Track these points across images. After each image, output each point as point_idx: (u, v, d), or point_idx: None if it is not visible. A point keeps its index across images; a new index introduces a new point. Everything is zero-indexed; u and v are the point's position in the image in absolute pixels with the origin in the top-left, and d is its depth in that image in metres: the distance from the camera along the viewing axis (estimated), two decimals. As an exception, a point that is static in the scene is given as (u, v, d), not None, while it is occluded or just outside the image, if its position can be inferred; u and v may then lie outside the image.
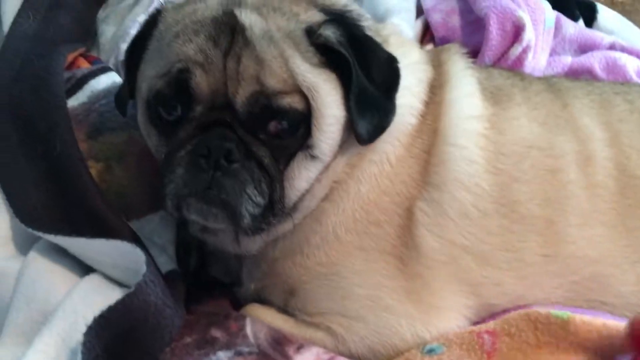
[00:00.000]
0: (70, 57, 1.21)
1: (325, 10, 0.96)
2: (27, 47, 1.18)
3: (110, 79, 1.14)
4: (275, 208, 0.90)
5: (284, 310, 1.00)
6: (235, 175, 0.86)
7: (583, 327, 0.82)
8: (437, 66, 1.06)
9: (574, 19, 1.68)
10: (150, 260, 0.89)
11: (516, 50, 1.43)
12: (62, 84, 1.08)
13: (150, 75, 0.92)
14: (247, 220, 0.87)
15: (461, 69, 1.08)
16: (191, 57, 0.87)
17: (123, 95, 1.04)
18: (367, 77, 0.91)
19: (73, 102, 1.10)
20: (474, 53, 1.44)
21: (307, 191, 0.94)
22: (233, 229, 0.95)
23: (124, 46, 1.25)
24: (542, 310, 0.87)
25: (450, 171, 0.97)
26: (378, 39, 0.98)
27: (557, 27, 1.61)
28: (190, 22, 0.91)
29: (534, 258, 0.98)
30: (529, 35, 1.43)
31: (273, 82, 0.87)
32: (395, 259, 0.95)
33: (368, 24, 1.01)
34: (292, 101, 0.88)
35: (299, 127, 0.89)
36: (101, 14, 1.40)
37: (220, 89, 0.87)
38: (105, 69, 1.18)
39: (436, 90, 1.03)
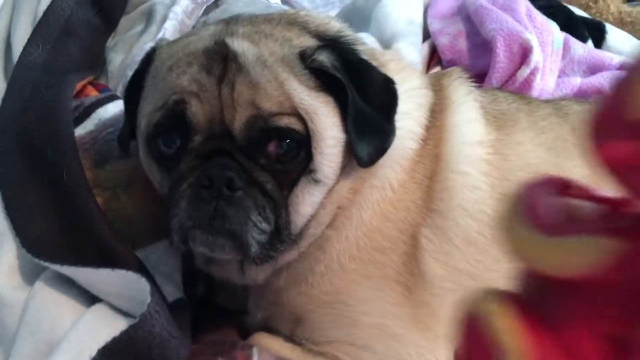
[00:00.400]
0: (79, 86, 1.22)
1: (318, 36, 0.97)
2: (36, 77, 1.19)
3: (117, 107, 1.14)
4: (282, 234, 0.89)
5: (292, 339, 0.99)
6: (238, 203, 0.85)
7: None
8: (438, 91, 1.06)
9: (583, 39, 1.68)
10: (156, 289, 0.88)
11: (524, 72, 1.43)
12: (70, 113, 1.09)
13: (147, 111, 0.93)
14: (254, 249, 0.86)
15: (463, 94, 1.07)
16: (186, 88, 0.87)
17: (123, 135, 1.04)
18: (364, 99, 0.90)
19: (80, 130, 1.11)
20: (482, 76, 1.44)
21: (313, 217, 0.93)
22: (240, 260, 0.95)
23: (131, 74, 1.27)
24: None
25: (454, 198, 0.96)
26: (375, 63, 0.98)
27: (566, 48, 1.60)
28: (184, 54, 0.91)
29: None
30: (536, 57, 1.43)
31: (269, 104, 0.86)
32: (401, 286, 0.94)
33: (364, 49, 1.01)
34: (289, 122, 0.87)
35: (299, 150, 0.88)
36: (110, 42, 1.42)
37: (216, 116, 0.87)
38: (112, 97, 1.18)
39: (437, 114, 1.02)
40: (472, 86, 1.10)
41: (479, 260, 0.95)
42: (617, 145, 0.31)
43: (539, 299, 0.35)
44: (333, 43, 0.95)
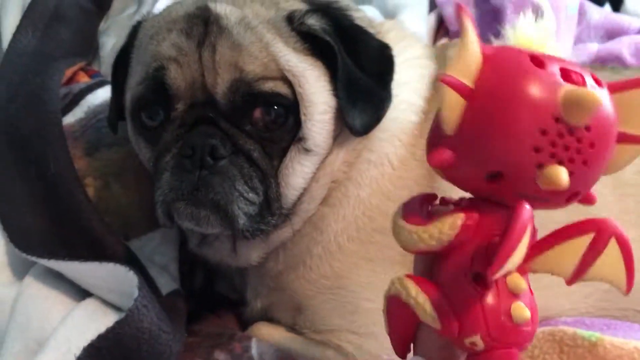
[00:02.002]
0: (69, 72, 1.17)
1: (309, 2, 0.90)
2: (25, 64, 1.15)
3: (108, 93, 1.09)
4: (272, 207, 0.84)
5: (293, 329, 0.95)
6: (222, 172, 0.80)
7: (613, 352, 0.74)
8: (443, 62, 0.99)
9: (600, 3, 1.59)
10: (145, 282, 0.84)
11: (536, 39, 1.35)
12: (58, 101, 1.05)
13: (131, 85, 0.89)
14: (242, 221, 0.81)
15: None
16: (164, 54, 0.83)
17: (110, 114, 1.00)
18: (357, 65, 0.84)
19: (70, 118, 1.07)
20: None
21: (305, 191, 0.88)
22: (229, 234, 0.90)
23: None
24: (568, 329, 0.79)
25: None
26: (372, 31, 0.92)
27: (581, 13, 1.52)
28: (164, 22, 0.87)
29: None
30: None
31: (253, 67, 0.81)
32: (404, 269, 0.88)
33: (360, 16, 0.95)
34: (275, 86, 0.82)
35: (286, 116, 0.83)
36: (102, 25, 1.37)
37: (197, 81, 0.82)
38: (102, 83, 1.14)
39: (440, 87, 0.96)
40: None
41: None
42: (440, 151, 0.45)
43: (429, 270, 0.51)
44: (324, 7, 0.89)
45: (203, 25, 0.84)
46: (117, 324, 0.76)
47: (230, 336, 0.92)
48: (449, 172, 0.48)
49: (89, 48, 1.32)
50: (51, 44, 1.23)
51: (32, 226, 0.93)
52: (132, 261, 0.91)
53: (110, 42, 1.31)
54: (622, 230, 0.45)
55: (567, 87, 0.42)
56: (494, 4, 1.40)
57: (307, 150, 0.85)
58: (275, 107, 0.83)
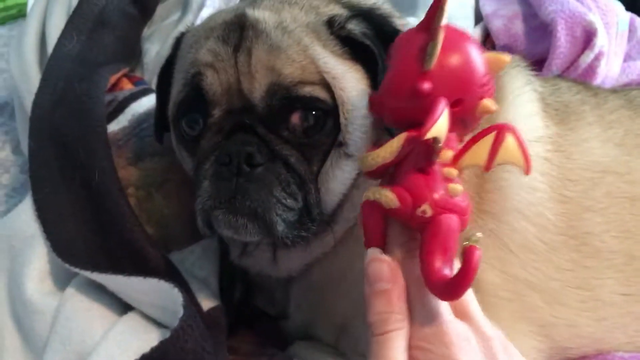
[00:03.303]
0: (113, 79, 1.17)
1: (351, 7, 0.88)
2: (69, 70, 1.14)
3: (152, 101, 1.09)
4: (312, 213, 0.82)
5: (336, 349, 0.92)
6: (259, 179, 0.78)
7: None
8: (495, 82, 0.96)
9: (651, 20, 1.54)
10: (190, 299, 0.83)
11: (587, 57, 1.30)
12: (103, 109, 1.04)
13: (174, 94, 0.88)
14: (281, 228, 0.79)
15: (520, 85, 0.97)
16: (201, 60, 0.82)
17: (156, 125, 1.00)
18: None
19: (114, 126, 1.06)
20: (540, 62, 1.33)
21: (346, 197, 0.85)
22: (270, 243, 0.88)
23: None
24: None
25: (508, 200, 0.87)
26: None
27: (631, 29, 1.47)
28: (204, 30, 0.86)
29: (613, 297, 0.87)
30: (601, 40, 1.31)
31: (291, 69, 0.79)
32: None
33: (402, 22, 0.92)
34: (313, 90, 0.80)
35: (325, 121, 0.81)
36: (146, 32, 1.36)
37: (233, 86, 0.81)
38: (146, 91, 1.13)
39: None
40: (531, 75, 1.00)
41: (537, 268, 0.86)
42: (423, 80, 0.60)
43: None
44: (366, 13, 0.87)
45: (239, 31, 0.83)
46: (162, 343, 0.74)
47: (271, 356, 0.90)
48: (426, 101, 0.60)
49: (133, 54, 1.32)
50: (95, 49, 1.22)
51: (75, 236, 0.92)
52: (173, 275, 0.90)
53: (154, 48, 1.30)
54: (515, 129, 0.63)
55: (488, 53, 0.64)
56: (544, 20, 1.36)
57: (347, 155, 0.83)
58: (314, 112, 0.80)
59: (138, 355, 0.74)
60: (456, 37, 0.63)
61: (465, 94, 0.62)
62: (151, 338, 0.78)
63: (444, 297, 0.60)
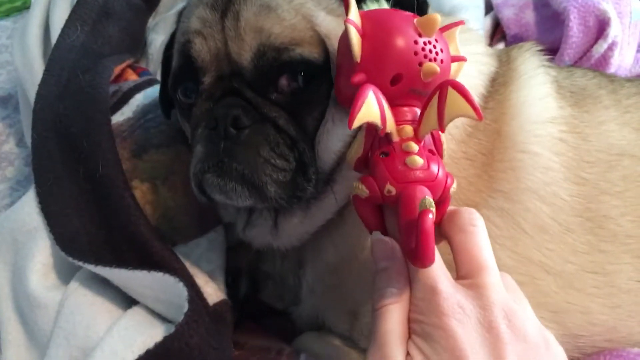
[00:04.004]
0: (117, 70, 1.15)
1: None
2: (73, 60, 1.13)
3: (156, 92, 1.07)
4: (307, 172, 0.79)
5: (349, 338, 0.90)
6: (246, 141, 0.77)
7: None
8: (506, 62, 0.94)
9: (665, 9, 1.51)
10: (195, 293, 0.81)
11: (600, 47, 1.28)
12: (107, 100, 1.02)
13: (172, 65, 0.88)
14: (272, 189, 0.77)
15: (533, 67, 0.95)
16: (191, 28, 0.82)
17: (161, 101, 1.00)
18: None
19: (118, 117, 1.04)
20: (552, 52, 1.30)
21: (344, 155, 0.81)
22: (270, 209, 0.86)
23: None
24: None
25: (522, 180, 0.85)
26: None
27: (645, 19, 1.44)
28: (197, 0, 0.85)
29: (629, 284, 0.85)
30: (614, 30, 1.28)
31: (280, 29, 0.77)
32: None
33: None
34: (304, 51, 0.77)
35: (315, 80, 0.78)
36: (151, 22, 1.34)
37: (221, 51, 0.80)
38: (151, 82, 1.11)
39: (500, 87, 0.90)
40: (544, 59, 0.98)
41: (552, 250, 0.84)
42: (355, 76, 0.66)
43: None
44: None
45: None
46: (166, 339, 0.73)
47: (279, 351, 0.89)
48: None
49: (138, 45, 1.30)
50: (99, 40, 1.21)
51: (79, 229, 0.90)
52: (179, 269, 0.88)
53: (159, 39, 1.28)
54: (455, 80, 0.65)
55: (417, 18, 0.67)
56: (556, 9, 1.33)
57: (342, 111, 0.79)
58: (302, 74, 0.78)
59: (142, 351, 0.72)
60: (376, 20, 0.66)
61: (400, 68, 0.65)
62: (156, 333, 0.77)
63: (418, 265, 0.63)
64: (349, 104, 0.65)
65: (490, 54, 0.96)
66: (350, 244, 0.87)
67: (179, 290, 0.79)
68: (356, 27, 0.65)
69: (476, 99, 0.87)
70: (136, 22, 1.31)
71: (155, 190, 0.98)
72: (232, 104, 0.78)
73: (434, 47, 0.66)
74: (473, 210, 0.70)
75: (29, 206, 0.95)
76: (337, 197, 0.84)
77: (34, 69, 1.22)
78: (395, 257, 0.67)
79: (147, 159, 1.00)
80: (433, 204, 0.60)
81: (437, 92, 0.63)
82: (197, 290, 0.86)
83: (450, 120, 0.63)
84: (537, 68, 0.95)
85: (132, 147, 1.01)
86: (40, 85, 1.09)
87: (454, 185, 0.68)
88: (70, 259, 0.87)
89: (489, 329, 0.61)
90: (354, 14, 0.65)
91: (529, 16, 1.40)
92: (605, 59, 1.29)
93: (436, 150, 0.68)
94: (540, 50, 0.99)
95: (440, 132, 0.69)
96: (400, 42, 0.64)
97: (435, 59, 0.65)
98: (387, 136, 0.64)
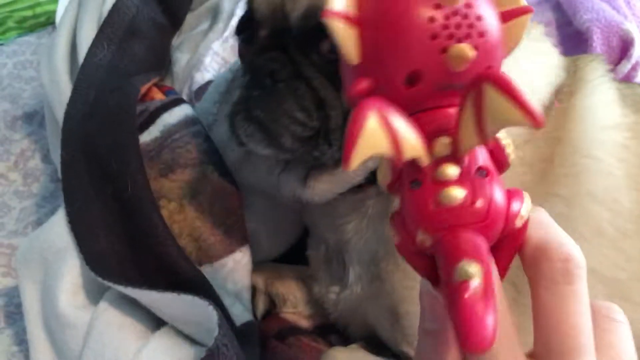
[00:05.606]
0: (143, 89, 1.16)
1: None
2: (101, 79, 1.14)
3: (183, 112, 1.08)
4: (330, 136, 0.80)
5: (390, 339, 0.88)
6: (276, 92, 0.80)
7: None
8: (573, 72, 0.94)
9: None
10: (223, 316, 0.81)
11: (624, 67, 1.28)
12: (135, 119, 1.03)
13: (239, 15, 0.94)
14: (288, 141, 0.79)
15: (599, 74, 0.95)
16: None
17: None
18: None
19: (145, 137, 1.05)
20: (575, 71, 1.31)
21: None
22: (283, 156, 0.86)
23: (197, 75, 1.21)
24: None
25: (584, 184, 0.84)
26: None
27: (668, 37, 1.44)
28: None
29: None
30: (638, 50, 1.28)
31: None
32: (509, 284, 0.79)
33: None
34: None
35: None
36: (175, 41, 1.36)
37: (278, 7, 0.81)
38: (178, 101, 1.12)
39: (564, 96, 0.90)
40: (608, 69, 0.98)
41: (606, 256, 0.83)
42: (356, 84, 0.45)
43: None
44: None
45: None
46: (198, 363, 0.73)
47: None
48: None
49: (162, 63, 1.31)
50: (125, 59, 1.22)
51: (107, 249, 0.91)
52: (206, 290, 0.89)
53: (184, 58, 1.30)
54: (495, 72, 0.42)
55: None
56: (579, 28, 1.33)
57: None
58: None
59: (173, 375, 0.73)
60: (371, 4, 0.46)
61: (415, 62, 0.44)
62: (184, 356, 0.77)
63: (464, 349, 0.41)
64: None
65: (563, 66, 0.95)
66: (387, 225, 0.85)
67: (209, 313, 0.79)
68: (344, 18, 0.47)
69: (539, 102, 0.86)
70: (161, 40, 1.33)
71: (182, 210, 0.99)
72: (274, 58, 0.81)
73: (465, 16, 0.45)
74: (572, 257, 0.45)
75: (58, 226, 0.96)
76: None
77: (61, 87, 1.23)
78: (447, 320, 0.47)
79: (174, 178, 1.01)
80: (478, 270, 0.41)
81: (471, 94, 0.44)
82: (224, 311, 0.87)
83: (497, 131, 0.45)
84: (603, 76, 0.95)
85: (159, 167, 1.02)
86: (68, 105, 1.10)
87: (526, 207, 0.47)
88: (100, 279, 0.88)
89: None
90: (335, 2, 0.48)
91: (552, 34, 1.40)
92: (628, 78, 1.29)
93: (494, 161, 0.46)
94: (604, 59, 1.00)
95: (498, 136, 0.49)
96: (408, 23, 0.45)
97: (468, 36, 0.44)
98: (415, 161, 0.45)
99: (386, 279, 0.87)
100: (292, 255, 1.13)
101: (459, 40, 0.43)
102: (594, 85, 0.92)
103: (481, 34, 0.44)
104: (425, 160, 0.44)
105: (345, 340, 1.03)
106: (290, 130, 0.79)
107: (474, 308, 0.40)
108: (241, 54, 0.92)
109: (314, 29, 0.79)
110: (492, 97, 0.41)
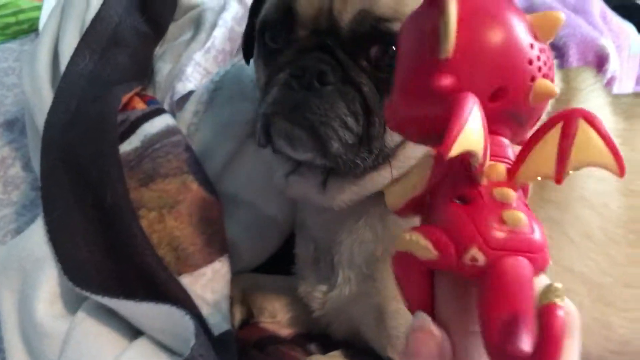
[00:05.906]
0: (125, 98, 1.17)
1: None
2: (82, 88, 1.15)
3: (164, 122, 1.09)
4: (372, 144, 0.80)
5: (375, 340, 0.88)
6: (326, 96, 0.78)
7: None
8: (566, 82, 0.98)
9: (663, 43, 1.54)
10: (201, 325, 0.82)
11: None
12: (116, 129, 1.04)
13: (265, 7, 0.88)
14: (336, 146, 0.78)
15: (592, 82, 0.99)
16: None
17: (244, 43, 0.99)
18: None
19: (126, 146, 1.06)
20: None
21: None
22: (322, 166, 0.86)
23: (179, 85, 1.21)
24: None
25: (575, 188, 0.86)
26: None
27: (644, 53, 1.47)
28: None
29: None
30: (613, 65, 1.31)
31: (384, 2, 0.78)
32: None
33: None
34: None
35: None
36: (158, 50, 1.36)
37: (324, 8, 0.80)
38: (159, 111, 1.13)
39: (561, 105, 0.92)
40: (599, 79, 1.02)
41: (594, 260, 0.85)
42: (439, 77, 0.43)
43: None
44: None
45: None
46: (174, 373, 0.74)
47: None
48: (449, 102, 0.44)
49: (145, 72, 1.32)
50: (107, 68, 1.22)
51: (86, 259, 0.92)
52: (184, 300, 0.89)
53: (166, 67, 1.30)
54: (589, 111, 0.43)
55: (532, 15, 0.46)
56: (555, 43, 1.36)
57: None
58: (394, 48, 0.78)
59: (149, 385, 0.73)
60: (477, 4, 0.45)
61: (508, 79, 0.44)
62: (162, 366, 0.78)
63: None
64: (411, 125, 0.48)
65: (560, 77, 0.98)
66: (392, 236, 0.87)
67: (186, 323, 0.80)
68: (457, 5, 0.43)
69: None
70: (144, 50, 1.33)
71: (161, 219, 0.99)
72: (322, 59, 0.79)
73: (548, 58, 0.46)
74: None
75: (37, 235, 0.96)
76: (393, 171, 0.84)
77: (43, 95, 1.23)
78: None
79: (155, 188, 1.02)
80: (565, 296, 0.40)
81: (560, 124, 0.43)
82: (202, 321, 0.87)
83: (577, 169, 0.45)
84: (594, 84, 0.99)
85: (139, 177, 1.02)
86: (49, 114, 1.11)
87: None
88: (77, 289, 0.88)
89: None
90: None
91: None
92: (604, 93, 1.32)
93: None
94: (594, 68, 1.04)
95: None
96: (514, 41, 0.44)
97: (548, 76, 0.45)
98: (474, 175, 0.43)
99: (379, 278, 0.88)
100: (271, 264, 1.14)
101: (545, 76, 0.45)
102: (586, 93, 0.95)
103: (552, 80, 0.46)
104: (483, 178, 0.44)
105: (324, 348, 1.04)
106: (339, 136, 0.78)
107: (563, 342, 0.38)
108: (266, 51, 0.88)
109: (364, 33, 0.79)
110: (585, 133, 0.43)
